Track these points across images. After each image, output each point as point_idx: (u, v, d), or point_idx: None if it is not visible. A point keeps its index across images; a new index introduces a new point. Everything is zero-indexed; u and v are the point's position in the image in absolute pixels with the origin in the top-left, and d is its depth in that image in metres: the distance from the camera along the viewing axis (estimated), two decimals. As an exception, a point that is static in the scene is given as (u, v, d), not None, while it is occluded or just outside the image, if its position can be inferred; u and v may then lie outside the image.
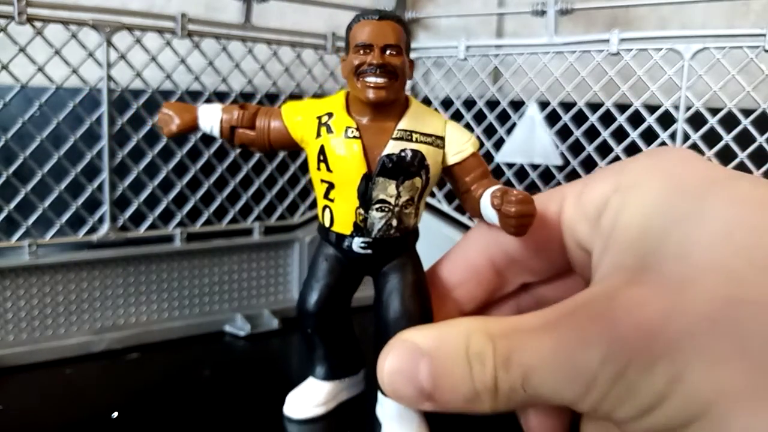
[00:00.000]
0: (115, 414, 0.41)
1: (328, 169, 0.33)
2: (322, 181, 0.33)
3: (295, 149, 0.36)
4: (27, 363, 0.48)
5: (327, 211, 0.34)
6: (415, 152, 0.32)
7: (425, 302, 0.34)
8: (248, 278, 0.59)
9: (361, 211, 0.33)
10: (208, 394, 0.44)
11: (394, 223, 0.33)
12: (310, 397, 0.38)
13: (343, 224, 0.33)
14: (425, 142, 0.33)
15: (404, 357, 0.26)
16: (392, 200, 0.33)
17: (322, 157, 0.33)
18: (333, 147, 0.33)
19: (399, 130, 0.33)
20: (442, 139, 0.34)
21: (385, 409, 0.36)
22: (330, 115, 0.33)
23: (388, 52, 0.31)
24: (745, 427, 0.19)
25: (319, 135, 0.33)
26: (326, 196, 0.34)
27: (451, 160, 0.34)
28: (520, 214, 0.28)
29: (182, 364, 0.50)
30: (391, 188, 0.32)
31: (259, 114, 0.35)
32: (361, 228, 0.33)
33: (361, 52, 0.32)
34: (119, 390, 0.45)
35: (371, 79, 0.31)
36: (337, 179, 0.33)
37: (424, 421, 0.35)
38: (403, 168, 0.32)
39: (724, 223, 0.21)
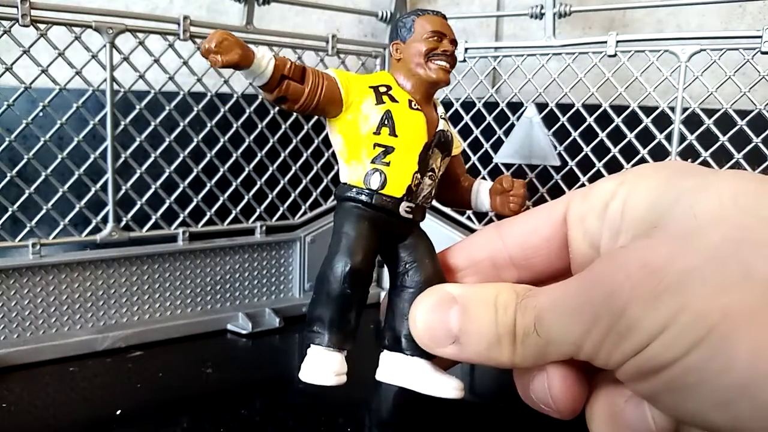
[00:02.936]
0: (119, 411, 0.41)
1: (392, 134, 0.35)
2: (377, 145, 0.35)
3: (328, 115, 0.36)
4: (31, 361, 0.48)
5: (377, 174, 0.36)
6: (451, 134, 0.37)
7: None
8: (250, 277, 0.60)
9: (418, 175, 0.35)
10: (210, 392, 0.44)
11: (434, 192, 0.37)
12: (327, 365, 0.35)
13: (397, 187, 0.35)
14: (449, 130, 0.38)
15: (438, 300, 0.28)
16: (437, 171, 0.36)
17: (387, 122, 0.35)
18: (401, 114, 0.35)
19: (441, 113, 0.37)
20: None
21: (410, 369, 0.36)
22: (388, 87, 0.36)
23: (451, 45, 0.36)
24: (752, 343, 0.19)
25: (381, 102, 0.35)
26: (380, 160, 0.35)
27: (453, 151, 0.38)
28: (524, 195, 0.36)
29: (185, 361, 0.50)
30: (438, 160, 0.36)
31: (308, 71, 0.36)
32: (412, 192, 0.35)
33: (436, 38, 0.36)
34: (123, 387, 0.45)
35: (442, 63, 0.36)
36: (400, 144, 0.35)
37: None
38: (447, 145, 0.37)
39: (730, 190, 0.23)
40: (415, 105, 0.35)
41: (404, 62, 0.37)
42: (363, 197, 0.36)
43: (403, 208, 0.35)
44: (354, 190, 0.36)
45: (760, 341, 0.19)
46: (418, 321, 0.29)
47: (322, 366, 0.36)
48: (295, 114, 0.62)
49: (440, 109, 0.37)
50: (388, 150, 0.35)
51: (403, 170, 0.35)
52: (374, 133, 0.35)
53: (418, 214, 0.36)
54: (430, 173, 0.36)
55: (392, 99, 0.35)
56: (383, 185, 0.35)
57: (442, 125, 0.36)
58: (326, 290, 0.35)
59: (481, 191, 0.38)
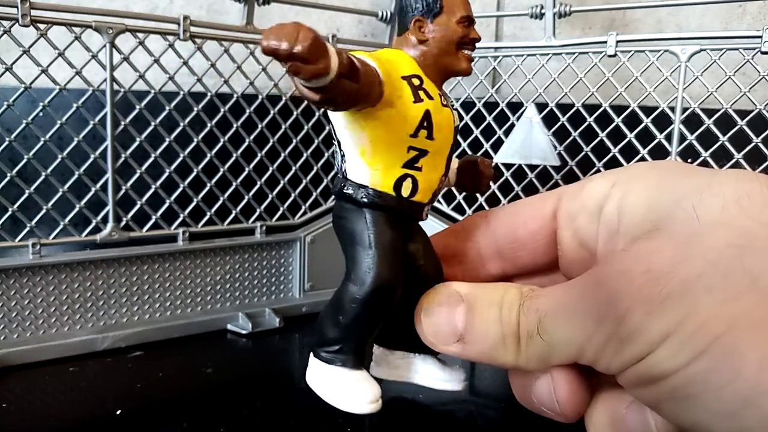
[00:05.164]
0: (119, 411, 0.41)
1: (430, 137, 0.30)
2: (412, 148, 0.31)
3: (358, 108, 0.30)
4: (31, 361, 0.48)
5: (408, 180, 0.31)
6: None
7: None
8: (250, 277, 0.60)
9: (444, 178, 0.34)
10: (210, 391, 0.44)
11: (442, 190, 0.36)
12: (361, 391, 0.30)
13: (426, 192, 0.32)
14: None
15: (444, 298, 0.28)
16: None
17: (426, 124, 0.30)
18: (436, 113, 0.31)
19: (452, 102, 0.34)
20: None
21: (417, 364, 0.35)
22: (420, 78, 0.31)
23: (476, 31, 0.33)
24: (759, 354, 0.19)
25: (419, 99, 0.30)
26: (412, 164, 0.31)
27: None
28: (492, 175, 0.34)
29: (185, 362, 0.50)
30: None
31: (358, 66, 0.27)
32: (435, 195, 0.34)
33: (466, 23, 0.32)
34: (123, 387, 0.45)
35: (469, 53, 0.33)
36: (435, 147, 0.31)
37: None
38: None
39: (733, 192, 0.22)
40: (444, 101, 0.32)
41: (430, 46, 0.31)
42: (391, 204, 0.32)
43: (426, 211, 0.33)
44: (380, 195, 0.31)
45: (766, 352, 0.18)
46: (424, 318, 0.29)
47: (356, 392, 0.31)
48: (295, 114, 0.62)
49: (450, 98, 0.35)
50: (422, 154, 0.31)
51: (432, 175, 0.32)
52: (411, 136, 0.31)
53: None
54: (447, 172, 0.34)
55: (428, 95, 0.31)
56: (414, 192, 0.32)
57: (456, 119, 0.33)
58: (355, 312, 0.31)
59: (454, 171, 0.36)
